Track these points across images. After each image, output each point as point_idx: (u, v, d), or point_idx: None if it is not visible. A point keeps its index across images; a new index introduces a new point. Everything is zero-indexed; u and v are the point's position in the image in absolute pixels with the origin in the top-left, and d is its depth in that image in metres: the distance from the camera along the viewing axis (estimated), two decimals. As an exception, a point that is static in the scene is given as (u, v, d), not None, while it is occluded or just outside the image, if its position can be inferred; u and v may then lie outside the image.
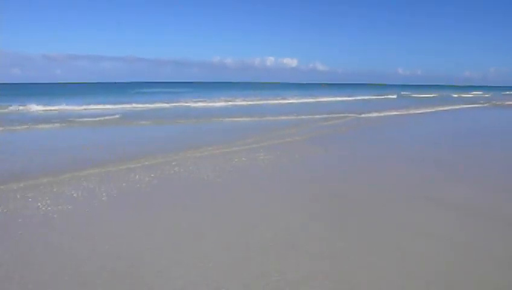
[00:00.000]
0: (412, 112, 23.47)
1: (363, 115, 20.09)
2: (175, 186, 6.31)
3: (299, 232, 4.44)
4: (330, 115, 19.37)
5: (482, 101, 38.21)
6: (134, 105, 25.90)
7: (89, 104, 25.77)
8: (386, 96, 47.73)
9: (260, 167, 7.56)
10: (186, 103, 28.63)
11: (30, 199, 5.46)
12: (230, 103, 29.98)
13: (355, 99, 39.25)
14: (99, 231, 4.49)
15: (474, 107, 30.52)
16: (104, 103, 26.59)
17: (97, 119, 16.95)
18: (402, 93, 57.21)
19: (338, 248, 4.04)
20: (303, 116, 18.79)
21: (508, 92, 73.11)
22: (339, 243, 4.17)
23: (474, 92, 65.67)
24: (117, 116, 18.24)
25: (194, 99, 31.69)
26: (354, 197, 5.77)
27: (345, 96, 42.54)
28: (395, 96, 48.50)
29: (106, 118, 17.49)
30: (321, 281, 3.37)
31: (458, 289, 3.29)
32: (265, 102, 31.69)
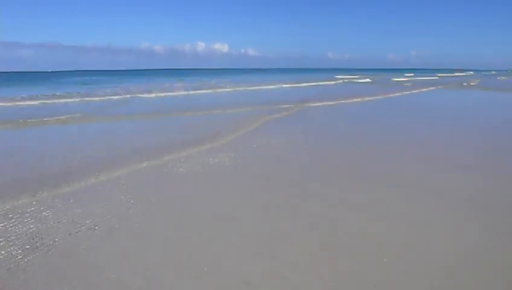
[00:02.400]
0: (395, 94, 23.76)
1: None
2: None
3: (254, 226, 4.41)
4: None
5: (451, 84, 39.68)
6: (85, 98, 22.35)
7: (22, 98, 21.72)
8: (362, 81, 47.94)
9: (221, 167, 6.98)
10: (139, 94, 25.63)
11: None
12: (171, 93, 27.06)
13: (332, 84, 38.30)
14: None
15: (439, 88, 32.03)
16: (42, 97, 22.58)
17: (57, 118, 13.64)
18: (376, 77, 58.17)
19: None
20: (271, 106, 17.17)
21: (442, 74, 78.32)
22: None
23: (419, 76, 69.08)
24: (78, 114, 14.91)
25: (139, 90, 29.15)
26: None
27: (305, 82, 41.11)
28: (375, 80, 48.90)
29: (68, 116, 14.18)
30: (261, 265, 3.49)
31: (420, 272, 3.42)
32: (204, 91, 29.15)
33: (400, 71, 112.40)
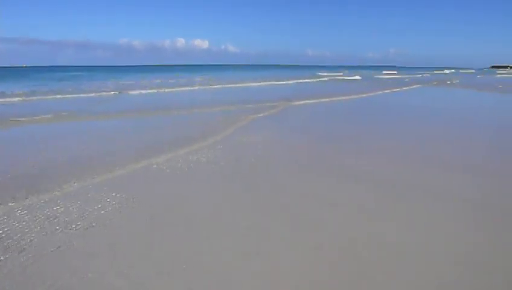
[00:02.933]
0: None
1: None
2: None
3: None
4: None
5: (434, 82, 40.44)
6: (66, 95, 21.66)
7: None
8: (352, 78, 48.58)
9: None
10: (122, 91, 25.05)
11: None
12: (153, 90, 26.12)
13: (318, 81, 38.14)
14: None
15: (432, 85, 32.97)
16: (21, 94, 21.78)
17: (41, 117, 13.06)
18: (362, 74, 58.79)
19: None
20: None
21: (424, 72, 79.54)
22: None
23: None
24: (65, 113, 14.24)
25: (123, 86, 28.52)
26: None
27: (292, 79, 40.88)
28: (359, 78, 49.36)
29: (61, 113, 13.60)
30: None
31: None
32: (186, 89, 28.43)
33: (379, 68, 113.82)
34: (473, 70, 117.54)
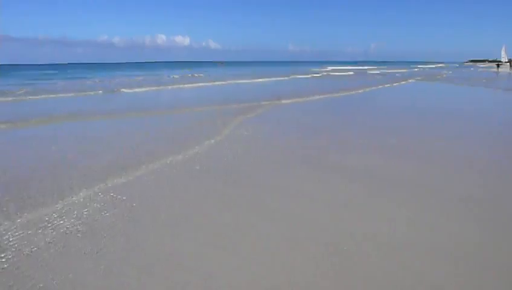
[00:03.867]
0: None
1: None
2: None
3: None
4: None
5: (425, 76, 40.72)
6: (58, 94, 20.63)
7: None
8: (346, 73, 48.88)
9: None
10: (117, 89, 24.10)
11: None
12: (138, 89, 24.81)
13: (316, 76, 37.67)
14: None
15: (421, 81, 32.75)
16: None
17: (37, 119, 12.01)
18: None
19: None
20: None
21: (407, 67, 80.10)
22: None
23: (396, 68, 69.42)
24: (63, 113, 13.27)
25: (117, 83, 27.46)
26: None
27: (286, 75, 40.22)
28: (352, 73, 49.57)
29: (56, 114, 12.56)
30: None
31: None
32: (172, 87, 27.28)
33: (362, 63, 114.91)
34: (456, 65, 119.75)
